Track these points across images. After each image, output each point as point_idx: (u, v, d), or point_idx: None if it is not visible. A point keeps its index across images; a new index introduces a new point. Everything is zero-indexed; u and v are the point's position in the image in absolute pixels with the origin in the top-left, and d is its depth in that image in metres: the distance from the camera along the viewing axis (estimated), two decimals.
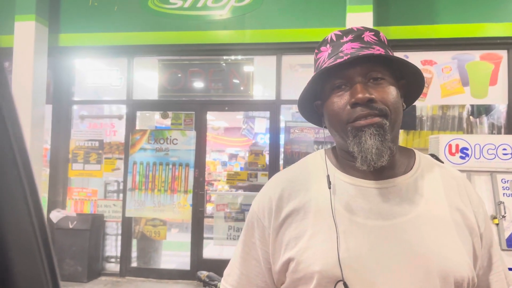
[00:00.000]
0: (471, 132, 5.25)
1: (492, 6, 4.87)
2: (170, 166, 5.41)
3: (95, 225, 5.31)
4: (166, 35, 5.45)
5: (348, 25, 4.67)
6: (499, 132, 5.13)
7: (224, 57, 5.62)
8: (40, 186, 5.41)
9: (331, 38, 0.98)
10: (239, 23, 5.32)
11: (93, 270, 5.28)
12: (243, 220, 5.21)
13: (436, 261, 0.85)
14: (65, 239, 5.16)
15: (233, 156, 11.89)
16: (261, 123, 7.49)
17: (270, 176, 4.68)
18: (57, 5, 5.66)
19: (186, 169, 5.38)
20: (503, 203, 3.16)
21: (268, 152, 5.48)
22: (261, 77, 5.60)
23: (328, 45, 0.98)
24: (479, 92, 4.94)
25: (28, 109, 5.12)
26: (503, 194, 3.21)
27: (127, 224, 5.48)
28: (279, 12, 5.26)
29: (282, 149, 5.41)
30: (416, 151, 1.03)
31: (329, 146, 1.07)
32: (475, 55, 4.98)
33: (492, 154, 3.32)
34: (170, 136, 5.44)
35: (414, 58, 4.80)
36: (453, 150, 3.39)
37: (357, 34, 0.95)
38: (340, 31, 0.98)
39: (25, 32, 5.26)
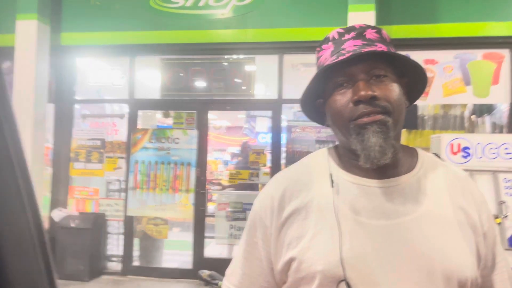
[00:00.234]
0: (473, 132, 5.24)
1: (494, 5, 4.85)
2: (172, 165, 5.42)
3: (97, 224, 5.32)
4: (168, 34, 5.45)
5: (350, 24, 4.66)
6: (501, 132, 5.12)
7: (226, 56, 5.62)
8: (42, 185, 5.42)
9: (333, 36, 0.97)
10: (241, 22, 5.32)
11: (95, 269, 5.28)
12: (244, 219, 5.21)
13: (439, 261, 0.84)
14: (67, 238, 5.16)
15: (234, 155, 11.87)
16: (262, 122, 7.50)
17: (272, 176, 4.66)
18: (59, 4, 5.67)
19: (188, 168, 5.38)
20: (505, 202, 3.15)
21: (270, 151, 5.48)
22: (263, 76, 5.60)
23: (330, 43, 0.97)
24: (481, 91, 4.93)
25: (30, 108, 5.13)
26: (505, 193, 3.20)
27: (128, 223, 5.48)
28: (280, 11, 5.25)
29: (284, 148, 5.41)
30: (419, 149, 1.02)
31: (331, 145, 1.06)
32: (477, 54, 4.96)
33: (494, 153, 3.32)
34: (172, 135, 5.44)
35: (416, 57, 4.74)
36: (455, 150, 3.38)
37: (359, 32, 0.95)
38: (342, 28, 0.97)
39: (27, 31, 5.26)
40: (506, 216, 3.12)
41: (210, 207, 5.91)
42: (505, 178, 3.24)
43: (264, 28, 5.27)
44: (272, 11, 5.26)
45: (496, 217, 3.13)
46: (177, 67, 5.65)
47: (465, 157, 3.36)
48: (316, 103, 1.02)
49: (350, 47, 0.92)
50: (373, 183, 0.92)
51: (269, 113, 5.75)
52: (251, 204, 1.04)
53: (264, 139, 7.84)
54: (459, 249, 0.87)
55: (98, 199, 5.58)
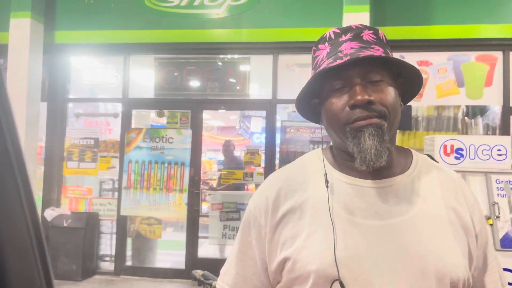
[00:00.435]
0: (466, 133, 5.27)
1: (487, 7, 4.89)
2: (166, 164, 5.40)
3: (89, 223, 5.29)
4: (163, 33, 5.44)
5: (345, 25, 4.68)
6: (493, 133, 5.15)
7: (221, 56, 5.61)
8: (35, 184, 5.38)
9: (330, 36, 0.97)
10: (236, 22, 5.31)
11: (87, 269, 5.26)
12: (238, 219, 5.21)
13: (432, 262, 0.85)
14: (60, 238, 5.14)
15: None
16: (257, 123, 7.49)
17: (266, 176, 4.66)
18: (53, 2, 5.64)
19: (182, 168, 5.37)
20: (498, 203, 3.17)
21: (263, 151, 5.48)
22: (257, 76, 5.60)
23: (326, 43, 0.97)
24: (474, 93, 4.96)
25: (23, 107, 5.10)
26: (498, 194, 3.22)
27: (122, 223, 5.46)
28: (276, 11, 5.26)
29: (278, 149, 5.42)
30: (413, 150, 1.03)
31: (325, 145, 1.06)
32: (471, 56, 5.00)
33: (487, 155, 3.34)
34: (166, 135, 5.43)
35: (410, 58, 4.81)
36: (448, 151, 3.40)
37: (356, 33, 0.95)
38: (338, 29, 0.97)
39: (21, 29, 5.23)
40: (498, 217, 3.15)
41: (204, 207, 5.90)
42: (497, 180, 3.26)
43: (259, 28, 5.27)
44: (267, 11, 5.26)
45: (489, 218, 3.16)
46: (172, 66, 5.63)
47: (458, 158, 3.38)
48: (311, 102, 1.02)
49: (347, 49, 0.92)
50: (367, 183, 0.92)
51: (263, 113, 5.75)
52: (244, 204, 1.04)
53: (259, 139, 7.83)
54: (451, 249, 0.88)
55: (91, 199, 5.55)
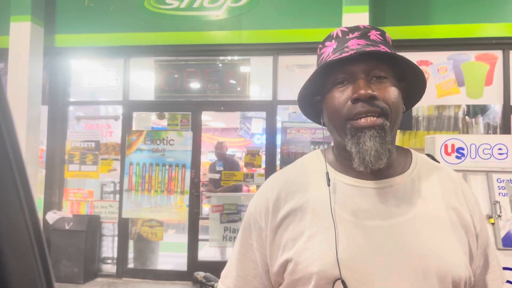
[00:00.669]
0: (467, 132, 5.27)
1: (487, 6, 4.89)
2: (167, 167, 5.40)
3: (91, 226, 5.29)
4: (163, 36, 5.44)
5: (344, 26, 4.68)
6: (494, 132, 5.15)
7: (221, 58, 5.62)
8: (36, 188, 5.39)
9: (337, 33, 0.97)
10: (236, 23, 5.32)
11: (89, 271, 5.26)
12: (239, 221, 5.20)
13: (434, 261, 0.85)
14: (61, 240, 5.14)
15: (232, 157, 11.84)
16: (257, 124, 7.49)
17: (267, 177, 4.66)
18: (53, 5, 5.64)
19: (183, 170, 5.37)
20: (499, 202, 3.17)
21: (264, 152, 5.48)
22: (257, 78, 5.60)
23: (333, 41, 0.97)
24: (474, 92, 4.96)
25: (23, 110, 5.10)
26: (499, 193, 3.22)
27: (123, 225, 5.46)
28: (275, 12, 5.26)
29: (279, 150, 5.42)
30: (412, 150, 1.03)
31: (326, 146, 1.06)
32: (471, 55, 5.00)
33: (488, 154, 3.34)
34: (167, 137, 5.43)
35: (410, 58, 4.71)
36: (449, 150, 3.40)
37: (364, 32, 0.95)
38: (346, 27, 0.97)
39: (21, 33, 5.24)
40: (500, 216, 3.14)
41: (206, 209, 5.90)
42: (498, 178, 3.25)
43: (258, 29, 5.28)
44: (267, 12, 5.26)
45: (490, 217, 3.15)
46: (172, 68, 5.64)
47: (459, 157, 3.38)
48: (313, 99, 1.02)
49: (354, 45, 0.91)
50: (367, 184, 0.92)
51: (263, 114, 5.75)
52: (244, 205, 1.04)
53: (260, 141, 7.83)
54: (452, 249, 0.88)
55: (92, 201, 5.55)
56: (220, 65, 5.62)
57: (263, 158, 5.50)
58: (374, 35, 0.95)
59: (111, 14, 5.54)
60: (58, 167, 5.64)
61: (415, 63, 0.94)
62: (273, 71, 5.32)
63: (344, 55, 0.87)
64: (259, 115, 7.09)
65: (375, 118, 0.87)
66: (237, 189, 5.74)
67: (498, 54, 4.94)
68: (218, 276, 1.09)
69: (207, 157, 10.63)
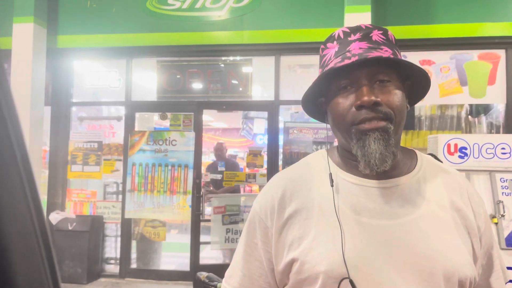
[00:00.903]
0: (470, 132, 5.26)
1: (490, 5, 4.88)
2: (169, 167, 5.41)
3: (94, 226, 5.31)
4: (165, 36, 5.45)
5: (346, 26, 4.68)
6: (497, 132, 5.14)
7: (223, 58, 5.62)
8: (39, 188, 5.40)
9: (339, 35, 0.97)
10: (238, 24, 5.32)
11: (92, 272, 5.27)
12: (241, 222, 5.19)
13: (440, 261, 0.85)
14: (65, 241, 5.15)
15: (232, 157, 11.85)
16: (260, 124, 7.50)
17: (269, 177, 4.65)
18: (55, 6, 5.66)
19: (185, 170, 5.38)
20: (502, 202, 3.16)
21: (266, 152, 5.48)
22: (259, 78, 5.60)
23: (335, 42, 0.97)
24: (477, 91, 4.94)
25: (26, 111, 5.12)
26: (502, 193, 3.21)
27: (126, 226, 5.47)
28: (277, 12, 5.26)
29: (281, 150, 5.41)
30: (417, 151, 1.04)
31: (329, 146, 1.06)
32: (473, 54, 4.99)
33: (491, 153, 3.33)
34: (169, 137, 5.43)
35: (412, 58, 4.80)
36: (452, 150, 3.39)
37: (366, 33, 0.94)
38: (348, 28, 0.97)
39: (24, 34, 5.25)
40: (503, 216, 3.13)
41: (208, 209, 5.88)
42: (502, 178, 3.25)
43: (260, 29, 5.28)
44: (269, 12, 5.26)
45: (493, 217, 3.14)
46: (174, 69, 5.64)
47: (462, 157, 3.37)
48: (317, 101, 1.02)
49: (356, 49, 0.91)
50: (373, 183, 0.92)
51: (266, 114, 5.75)
52: (246, 206, 1.04)
53: (262, 141, 7.83)
54: (458, 249, 0.88)
55: (95, 202, 5.56)
56: (222, 65, 5.63)
57: (265, 158, 5.50)
58: (376, 35, 0.94)
59: (114, 15, 5.55)
60: (61, 168, 5.65)
61: (418, 63, 0.94)
62: (275, 71, 5.32)
63: (346, 61, 0.88)
64: (261, 115, 7.09)
65: (378, 121, 0.88)
66: (236, 190, 5.73)
67: (501, 53, 4.93)
68: (222, 276, 1.09)
69: (209, 157, 10.64)
